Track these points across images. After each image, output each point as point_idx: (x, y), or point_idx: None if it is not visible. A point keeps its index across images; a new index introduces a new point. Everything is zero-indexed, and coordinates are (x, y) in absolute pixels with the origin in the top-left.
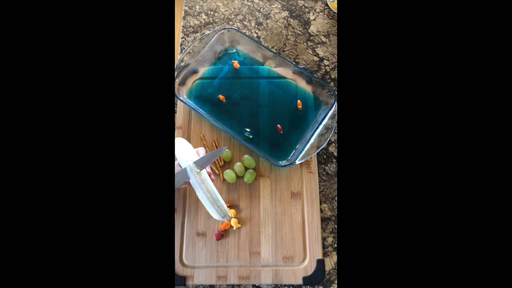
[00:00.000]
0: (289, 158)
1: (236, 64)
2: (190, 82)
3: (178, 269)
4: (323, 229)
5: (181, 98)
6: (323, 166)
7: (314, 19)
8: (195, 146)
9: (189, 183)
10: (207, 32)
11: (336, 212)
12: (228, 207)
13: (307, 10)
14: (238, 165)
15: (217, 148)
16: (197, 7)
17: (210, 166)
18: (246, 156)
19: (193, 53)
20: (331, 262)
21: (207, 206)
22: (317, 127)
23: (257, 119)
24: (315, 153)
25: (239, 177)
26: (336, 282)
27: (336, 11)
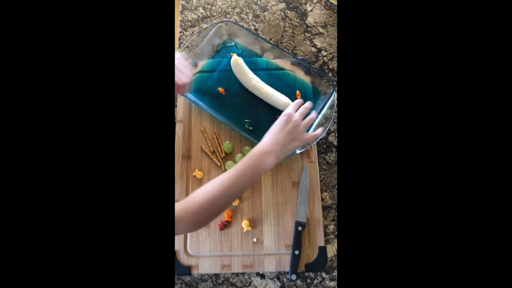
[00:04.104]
0: None
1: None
2: None
3: (183, 259)
4: (324, 217)
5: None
6: (323, 155)
7: (311, 10)
8: (197, 141)
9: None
10: (205, 25)
11: (337, 201)
12: None
13: (304, 1)
14: (239, 156)
15: (218, 139)
16: (194, 1)
17: (212, 158)
18: (247, 147)
19: (191, 47)
20: (332, 249)
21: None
22: (316, 117)
23: (257, 110)
24: (315, 143)
25: None
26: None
27: (332, 2)
